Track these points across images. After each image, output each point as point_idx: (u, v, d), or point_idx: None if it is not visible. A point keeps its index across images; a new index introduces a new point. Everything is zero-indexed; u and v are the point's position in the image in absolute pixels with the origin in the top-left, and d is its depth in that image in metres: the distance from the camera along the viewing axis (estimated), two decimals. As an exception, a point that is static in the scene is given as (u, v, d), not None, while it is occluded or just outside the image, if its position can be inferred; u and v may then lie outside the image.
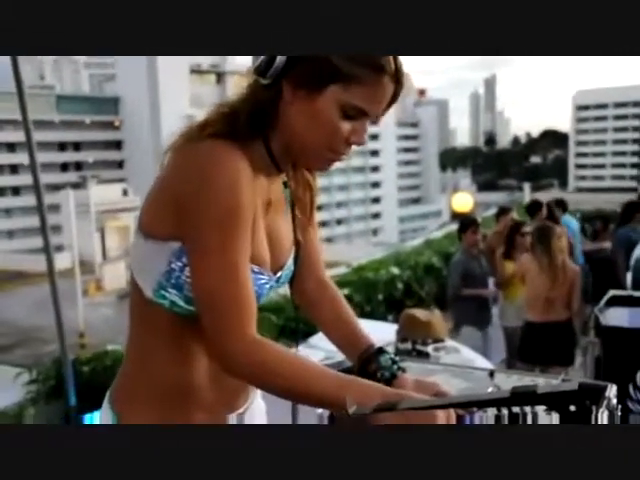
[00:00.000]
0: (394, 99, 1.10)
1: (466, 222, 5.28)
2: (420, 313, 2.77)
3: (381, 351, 1.31)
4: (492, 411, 1.18)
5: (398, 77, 1.07)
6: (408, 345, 2.64)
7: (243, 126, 1.09)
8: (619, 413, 1.28)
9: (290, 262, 1.26)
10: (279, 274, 1.23)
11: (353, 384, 1.03)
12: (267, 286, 1.18)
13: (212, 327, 1.05)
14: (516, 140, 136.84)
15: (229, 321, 1.04)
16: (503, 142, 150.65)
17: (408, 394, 1.04)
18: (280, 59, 1.05)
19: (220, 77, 56.97)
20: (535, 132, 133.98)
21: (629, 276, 5.23)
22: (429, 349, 2.62)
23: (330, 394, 1.01)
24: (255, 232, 1.12)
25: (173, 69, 49.23)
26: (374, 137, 68.04)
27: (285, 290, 1.36)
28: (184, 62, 51.24)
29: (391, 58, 1.06)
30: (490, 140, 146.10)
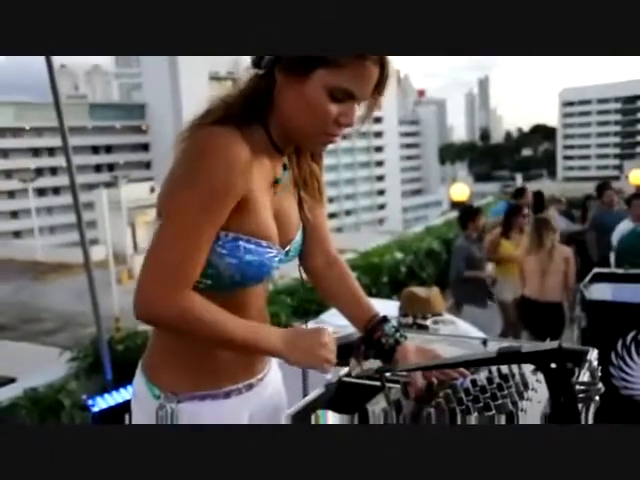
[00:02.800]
0: (382, 83, 1.10)
1: (471, 210, 5.47)
2: (419, 290, 2.78)
3: (385, 320, 1.32)
4: (485, 374, 1.20)
5: (382, 61, 1.07)
6: (409, 319, 2.66)
7: (240, 111, 1.10)
8: (599, 374, 1.30)
9: (298, 237, 1.27)
10: (287, 248, 1.24)
11: (261, 328, 1.13)
12: (276, 259, 1.18)
13: (148, 273, 1.04)
14: (508, 135, 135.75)
15: (166, 274, 1.04)
16: (497, 137, 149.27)
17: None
18: None
19: (237, 83, 56.89)
20: (526, 127, 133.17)
21: (612, 255, 5.24)
22: (428, 322, 2.64)
23: (249, 338, 1.10)
24: (260, 209, 1.12)
25: (193, 77, 49.26)
26: (378, 134, 67.79)
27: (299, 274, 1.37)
28: (203, 70, 51.21)
29: None
30: (485, 135, 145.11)
